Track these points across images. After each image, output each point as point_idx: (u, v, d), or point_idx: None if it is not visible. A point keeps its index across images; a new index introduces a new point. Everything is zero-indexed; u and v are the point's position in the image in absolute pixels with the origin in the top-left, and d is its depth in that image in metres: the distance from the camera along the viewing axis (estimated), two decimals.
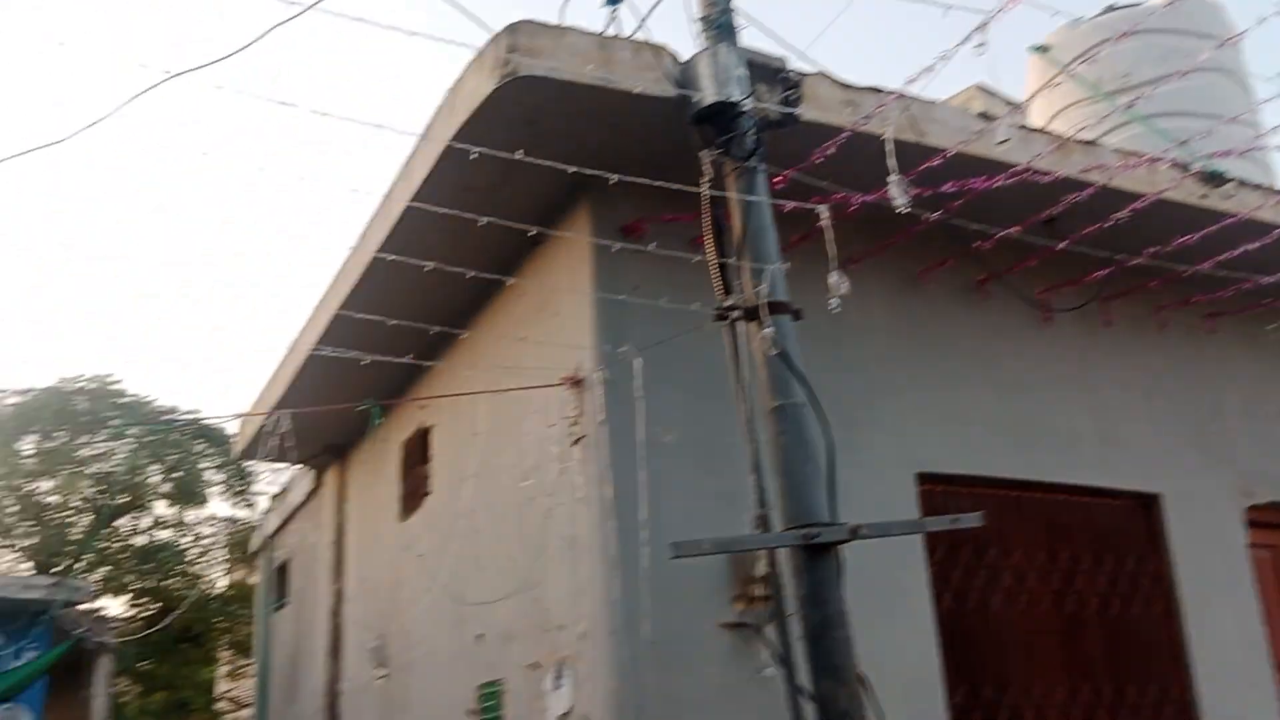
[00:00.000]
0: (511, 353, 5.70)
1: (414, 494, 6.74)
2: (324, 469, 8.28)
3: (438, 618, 6.11)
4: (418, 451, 6.85)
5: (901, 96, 4.89)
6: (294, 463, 8.23)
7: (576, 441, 5.00)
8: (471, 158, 4.45)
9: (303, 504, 8.89)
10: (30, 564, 20.15)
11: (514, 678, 5.28)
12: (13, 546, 21.51)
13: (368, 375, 6.45)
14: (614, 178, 4.38)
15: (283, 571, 9.38)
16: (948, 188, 5.03)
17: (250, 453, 8.13)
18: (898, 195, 4.40)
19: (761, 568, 4.56)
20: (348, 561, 7.73)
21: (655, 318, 4.95)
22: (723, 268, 4.23)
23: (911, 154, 4.75)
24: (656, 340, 4.91)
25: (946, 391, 5.63)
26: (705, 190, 4.25)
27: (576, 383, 5.13)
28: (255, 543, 10.44)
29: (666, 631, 4.58)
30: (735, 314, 4.15)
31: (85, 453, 20.51)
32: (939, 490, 5.43)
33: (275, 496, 9.69)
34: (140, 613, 20.73)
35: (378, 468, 7.39)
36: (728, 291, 4.21)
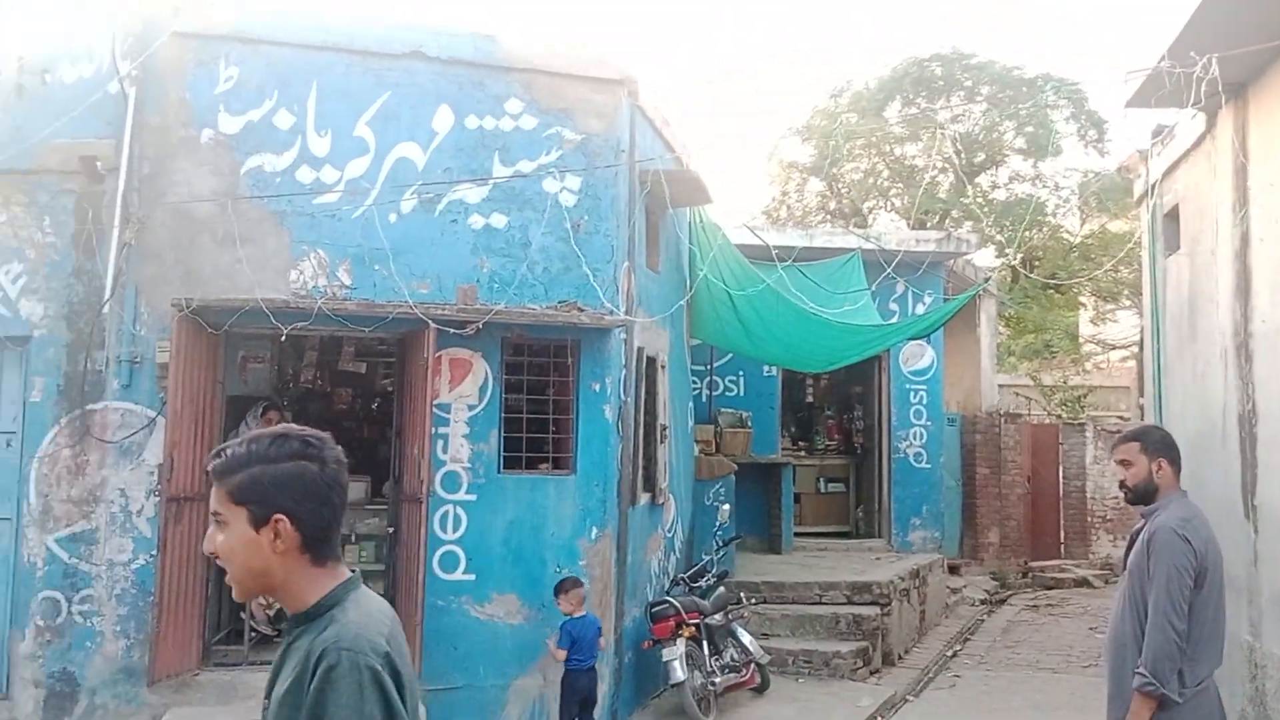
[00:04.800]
0: None
1: None
2: (1217, 110, 7.95)
3: None
4: None
5: None
6: (1185, 106, 8.04)
7: None
8: None
9: (1192, 147, 8.68)
10: (903, 222, 22.56)
11: None
12: (888, 206, 24.21)
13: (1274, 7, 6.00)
14: None
15: (1172, 217, 9.38)
16: None
17: (1139, 100, 8.11)
18: None
19: None
20: (1252, 203, 7.49)
21: None
22: None
23: None
24: None
25: None
26: None
27: None
28: (1138, 190, 10.50)
29: None
30: None
31: (944, 116, 21.92)
32: None
33: (1155, 143, 9.57)
34: (1005, 262, 22.24)
35: None
36: None
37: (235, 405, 8.29)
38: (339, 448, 2.22)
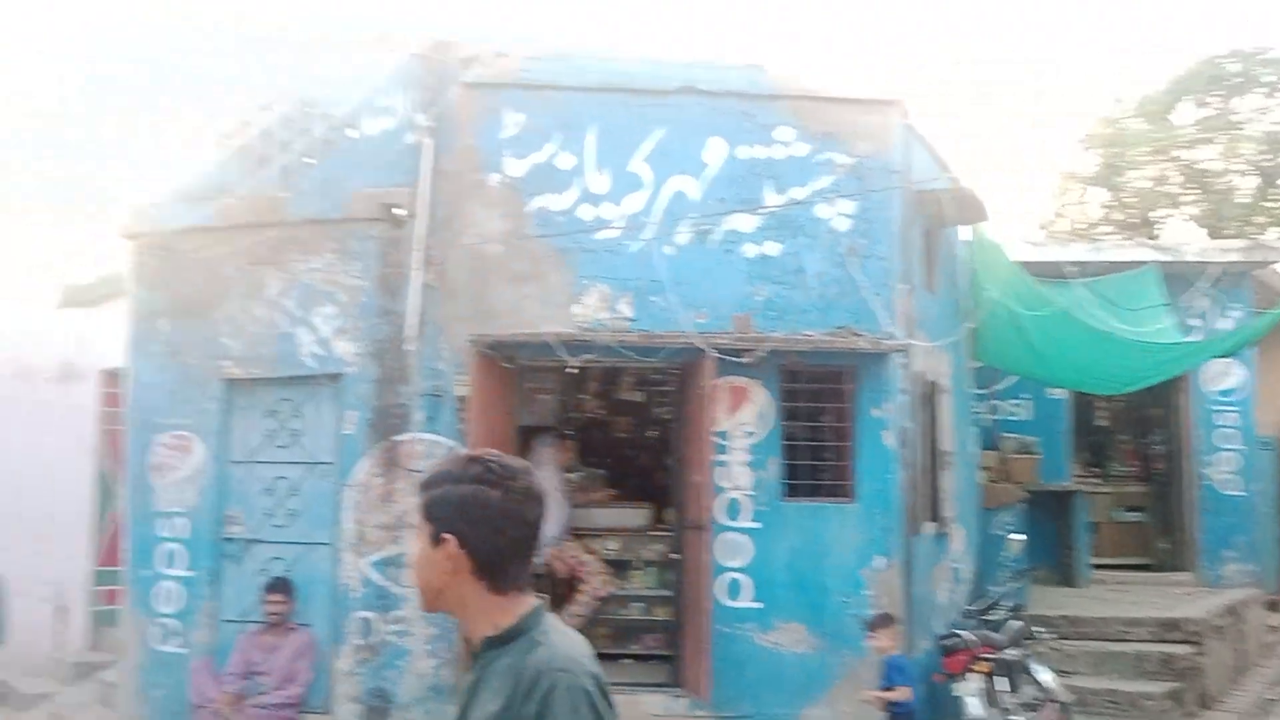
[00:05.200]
0: None
1: None
2: None
3: None
4: None
5: None
6: None
7: None
8: None
9: None
10: (1200, 231, 20.83)
11: None
12: (1180, 215, 22.45)
13: None
14: None
15: None
16: None
17: None
18: None
19: None
20: None
21: None
22: None
23: None
24: None
25: None
26: None
27: None
28: None
29: None
30: None
31: (1242, 115, 20.18)
32: None
33: None
34: None
35: None
36: None
37: (523, 436, 8.65)
38: (534, 481, 2.19)
